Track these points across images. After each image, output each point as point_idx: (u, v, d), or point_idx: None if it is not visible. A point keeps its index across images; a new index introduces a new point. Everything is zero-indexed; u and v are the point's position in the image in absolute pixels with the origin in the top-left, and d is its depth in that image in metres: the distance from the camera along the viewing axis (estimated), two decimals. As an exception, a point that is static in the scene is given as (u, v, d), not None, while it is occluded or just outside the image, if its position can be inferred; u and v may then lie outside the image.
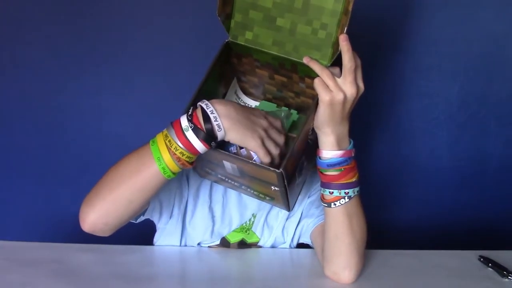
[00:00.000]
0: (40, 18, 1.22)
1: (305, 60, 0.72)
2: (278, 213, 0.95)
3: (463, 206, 1.37)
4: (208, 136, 0.66)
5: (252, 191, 0.79)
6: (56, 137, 1.29)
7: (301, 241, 0.97)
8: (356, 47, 0.69)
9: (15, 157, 1.30)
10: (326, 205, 0.77)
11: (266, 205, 0.95)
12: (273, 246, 0.95)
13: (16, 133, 1.29)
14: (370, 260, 0.86)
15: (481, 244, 0.99)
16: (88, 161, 1.30)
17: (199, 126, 0.66)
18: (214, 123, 0.66)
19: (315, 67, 0.70)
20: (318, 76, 0.70)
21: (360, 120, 1.30)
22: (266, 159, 0.68)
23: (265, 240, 0.94)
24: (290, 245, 0.96)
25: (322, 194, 0.77)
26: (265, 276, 0.83)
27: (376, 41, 1.24)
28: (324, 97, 0.69)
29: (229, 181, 0.79)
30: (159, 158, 0.67)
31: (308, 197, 0.96)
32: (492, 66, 1.27)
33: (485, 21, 1.24)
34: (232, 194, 0.95)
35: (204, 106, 0.66)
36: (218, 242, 0.93)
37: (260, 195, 0.79)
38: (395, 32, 1.23)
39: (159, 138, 0.68)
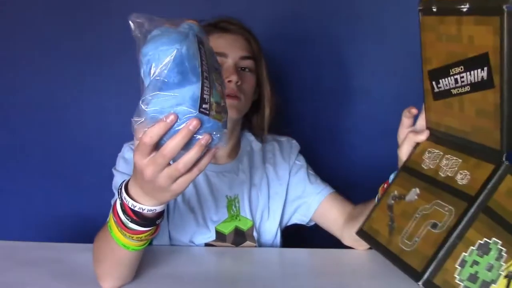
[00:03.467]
0: (40, 18, 1.22)
1: None
2: (258, 194, 0.98)
3: (463, 206, 1.37)
4: (150, 221, 0.63)
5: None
6: (56, 137, 1.29)
7: (294, 221, 1.01)
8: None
9: (15, 156, 1.30)
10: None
11: (241, 187, 0.96)
12: (269, 230, 0.97)
13: (16, 132, 1.29)
14: (370, 260, 0.86)
15: (481, 244, 0.99)
16: (88, 161, 1.30)
17: (135, 218, 0.62)
18: (143, 212, 0.61)
19: None
20: None
21: (362, 120, 1.31)
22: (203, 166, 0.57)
23: (258, 220, 0.96)
24: (280, 225, 0.98)
25: None
26: (264, 275, 0.82)
27: (377, 41, 1.24)
28: None
29: None
30: (124, 245, 0.66)
31: (290, 176, 0.99)
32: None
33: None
34: (201, 181, 0.94)
35: (124, 201, 0.62)
36: (214, 237, 0.93)
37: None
38: (396, 32, 1.23)
39: (113, 228, 0.65)
